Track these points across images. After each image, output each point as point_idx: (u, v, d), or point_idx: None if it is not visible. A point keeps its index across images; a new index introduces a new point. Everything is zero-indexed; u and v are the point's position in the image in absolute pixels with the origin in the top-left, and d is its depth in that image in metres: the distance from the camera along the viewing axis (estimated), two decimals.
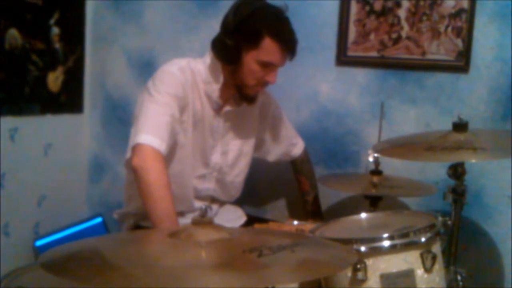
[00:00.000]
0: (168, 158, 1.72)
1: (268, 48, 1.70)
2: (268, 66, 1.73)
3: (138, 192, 1.65)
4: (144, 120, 1.66)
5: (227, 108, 1.86)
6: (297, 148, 2.16)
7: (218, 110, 1.85)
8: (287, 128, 2.12)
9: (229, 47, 1.70)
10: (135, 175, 1.62)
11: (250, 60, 1.71)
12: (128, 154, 1.67)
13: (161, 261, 1.02)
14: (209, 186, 1.94)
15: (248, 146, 1.98)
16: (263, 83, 1.78)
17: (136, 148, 1.62)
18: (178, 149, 1.79)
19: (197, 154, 1.86)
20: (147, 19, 2.53)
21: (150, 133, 1.63)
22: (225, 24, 1.73)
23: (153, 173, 1.60)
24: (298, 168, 2.19)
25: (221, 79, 1.79)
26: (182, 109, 1.75)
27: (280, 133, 2.09)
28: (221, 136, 1.90)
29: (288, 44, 1.73)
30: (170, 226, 1.56)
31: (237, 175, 1.98)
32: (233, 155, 1.94)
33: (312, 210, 2.17)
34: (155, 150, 1.61)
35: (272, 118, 2.07)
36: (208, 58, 1.81)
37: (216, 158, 1.90)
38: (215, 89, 1.80)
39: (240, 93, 1.81)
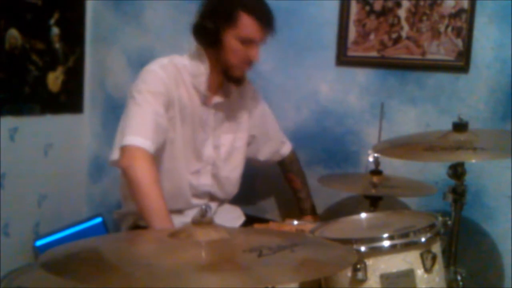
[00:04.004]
0: (159, 155, 1.77)
1: (246, 24, 1.74)
2: (249, 43, 1.76)
3: (129, 191, 1.68)
4: (128, 123, 1.71)
5: (216, 99, 1.88)
6: (286, 146, 2.18)
7: (207, 102, 1.87)
8: (275, 125, 2.14)
9: (209, 30, 1.76)
10: (124, 175, 1.67)
11: (231, 39, 1.75)
12: (114, 156, 1.71)
13: (161, 261, 1.02)
14: (205, 181, 1.94)
15: (240, 142, 2.00)
16: (247, 62, 1.81)
17: (123, 150, 1.67)
18: (169, 145, 1.81)
19: (188, 149, 1.87)
20: (147, 19, 2.53)
21: (133, 133, 1.67)
22: (202, 8, 1.80)
23: (140, 171, 1.63)
24: (287, 167, 2.20)
25: (208, 66, 1.82)
26: (167, 105, 1.77)
27: (269, 130, 2.12)
28: (212, 129, 1.91)
29: (264, 17, 1.77)
30: (162, 223, 1.58)
31: (232, 170, 1.99)
32: (225, 149, 1.95)
33: (307, 207, 2.17)
34: (141, 148, 1.65)
35: (261, 115, 2.08)
36: (192, 50, 1.85)
37: (208, 151, 1.91)
38: (202, 81, 1.82)
39: (227, 76, 1.83)
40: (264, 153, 2.12)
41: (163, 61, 1.83)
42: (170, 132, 1.79)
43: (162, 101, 1.74)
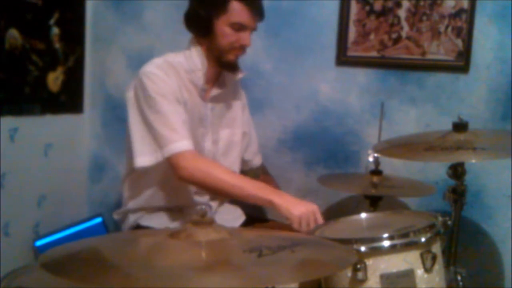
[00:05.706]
0: None
1: (237, 9, 1.78)
2: (240, 29, 1.79)
3: (217, 191, 1.81)
4: (160, 133, 1.72)
5: (213, 92, 1.90)
6: (260, 155, 2.19)
7: (205, 96, 1.89)
8: (254, 131, 2.16)
9: (201, 18, 1.79)
10: (192, 183, 1.79)
11: (222, 26, 1.79)
12: (142, 162, 1.75)
13: (161, 261, 1.02)
14: None
15: (237, 136, 2.02)
16: (238, 46, 1.82)
17: (173, 160, 1.71)
18: None
19: None
20: (147, 19, 2.53)
21: (172, 141, 1.71)
22: None
23: (202, 171, 1.71)
24: (263, 169, 2.19)
25: (204, 60, 1.84)
26: (179, 101, 1.79)
27: (252, 132, 2.14)
28: (210, 124, 1.92)
29: (254, 4, 1.81)
30: (255, 187, 1.71)
31: (231, 165, 1.99)
32: (223, 144, 1.97)
33: None
34: (187, 151, 1.71)
35: (248, 117, 2.12)
36: (189, 48, 1.86)
37: (208, 145, 1.93)
38: (199, 75, 1.84)
39: (220, 63, 1.85)
40: (249, 153, 2.13)
41: (158, 61, 1.84)
42: None
43: (174, 98, 1.77)
